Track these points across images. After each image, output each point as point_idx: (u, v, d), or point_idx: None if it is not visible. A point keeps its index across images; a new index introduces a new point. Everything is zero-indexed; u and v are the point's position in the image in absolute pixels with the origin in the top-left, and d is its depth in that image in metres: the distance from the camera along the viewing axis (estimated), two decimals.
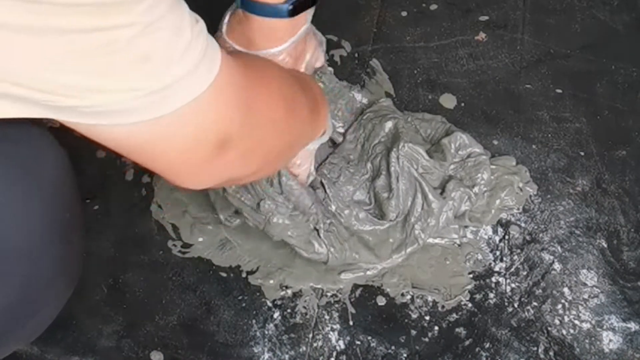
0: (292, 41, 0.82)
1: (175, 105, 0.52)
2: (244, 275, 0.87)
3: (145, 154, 0.56)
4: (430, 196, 0.86)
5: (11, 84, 0.46)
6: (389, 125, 0.91)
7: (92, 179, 0.93)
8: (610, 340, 0.82)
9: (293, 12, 0.79)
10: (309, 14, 0.83)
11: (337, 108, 0.94)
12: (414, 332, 0.83)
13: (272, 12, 0.78)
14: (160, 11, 0.48)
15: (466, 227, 0.89)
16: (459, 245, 0.88)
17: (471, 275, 0.86)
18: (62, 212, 0.58)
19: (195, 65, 0.52)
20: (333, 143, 0.93)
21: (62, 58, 0.46)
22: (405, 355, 0.81)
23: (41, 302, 0.62)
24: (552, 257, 0.87)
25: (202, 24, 0.54)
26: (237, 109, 0.58)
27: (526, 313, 0.84)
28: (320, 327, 0.83)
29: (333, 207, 0.86)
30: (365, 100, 0.96)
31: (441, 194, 0.87)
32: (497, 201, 0.89)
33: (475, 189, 0.88)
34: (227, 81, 0.56)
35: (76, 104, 0.48)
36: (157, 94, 0.50)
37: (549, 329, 0.82)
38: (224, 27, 0.83)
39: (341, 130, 0.94)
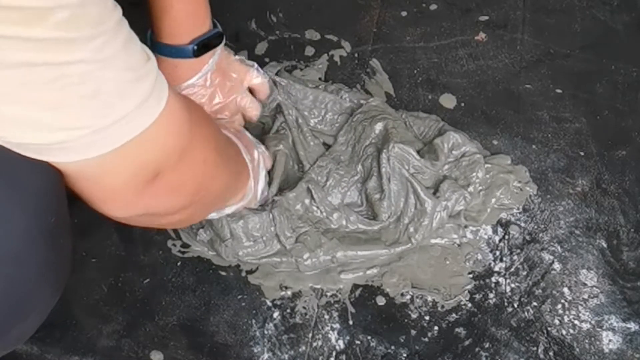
0: (198, 76, 0.86)
1: (117, 143, 0.53)
2: (243, 274, 0.87)
3: (76, 185, 0.57)
4: (422, 196, 0.86)
5: None
6: (379, 126, 0.91)
7: None
8: (610, 341, 0.82)
9: (198, 53, 0.84)
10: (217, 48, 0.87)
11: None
12: (413, 332, 0.83)
13: (177, 52, 0.83)
14: (112, 49, 0.49)
15: (466, 227, 0.89)
16: (458, 245, 0.88)
17: (471, 275, 0.86)
18: (47, 216, 0.58)
19: (141, 102, 0.53)
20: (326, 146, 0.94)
21: (12, 91, 0.46)
22: (404, 355, 0.81)
23: (27, 307, 0.61)
24: (551, 257, 0.87)
25: (152, 61, 0.55)
26: (176, 144, 0.60)
27: (526, 313, 0.84)
28: (320, 327, 0.83)
29: (318, 213, 0.86)
30: (355, 101, 0.96)
31: (434, 193, 0.87)
32: (493, 200, 0.90)
33: (470, 188, 0.88)
34: (170, 118, 0.57)
35: (21, 140, 0.49)
36: (100, 132, 0.51)
37: (549, 329, 0.82)
38: None
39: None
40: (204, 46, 0.84)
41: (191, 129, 0.62)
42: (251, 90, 0.93)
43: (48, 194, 0.58)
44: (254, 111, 0.93)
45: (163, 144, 0.58)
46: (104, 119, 0.51)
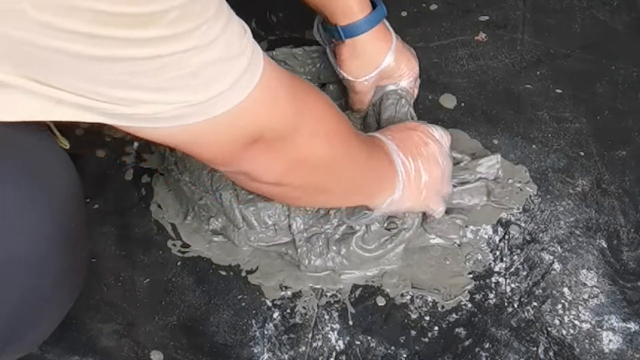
0: (394, 40, 0.90)
1: (214, 113, 0.56)
2: (243, 274, 0.87)
3: (183, 147, 0.61)
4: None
5: (74, 94, 0.51)
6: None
7: (92, 179, 0.93)
8: (610, 341, 0.82)
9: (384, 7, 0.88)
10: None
11: None
12: (413, 333, 0.83)
13: (376, 18, 0.87)
14: (214, 33, 0.52)
15: (466, 226, 0.89)
16: (459, 245, 0.88)
17: (471, 276, 0.86)
18: (68, 223, 0.60)
19: (238, 78, 0.56)
20: None
21: (122, 78, 0.50)
22: (405, 355, 0.81)
23: (43, 312, 0.63)
24: (552, 257, 0.87)
25: (249, 35, 0.58)
26: (273, 115, 0.62)
27: (526, 313, 0.84)
28: (320, 327, 0.83)
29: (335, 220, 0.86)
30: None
31: None
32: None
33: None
34: (266, 90, 0.60)
35: (127, 112, 0.53)
36: (201, 104, 0.55)
37: (549, 329, 0.82)
38: (340, 68, 0.91)
39: None
40: None
41: (292, 104, 0.64)
42: None
43: (69, 199, 0.60)
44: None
45: (257, 116, 0.60)
46: (201, 95, 0.54)
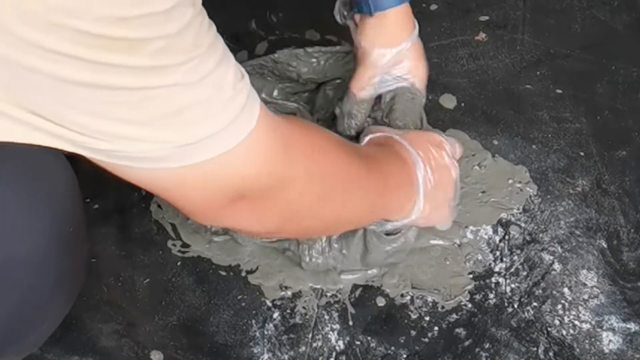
0: (416, 27, 0.87)
1: (198, 159, 0.53)
2: (243, 274, 0.87)
3: (162, 193, 0.59)
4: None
5: (54, 124, 0.49)
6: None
7: (91, 179, 0.92)
8: (610, 341, 0.82)
9: None
10: None
11: None
12: (413, 333, 0.83)
13: None
14: (204, 71, 0.50)
15: (466, 227, 0.89)
16: (458, 246, 0.88)
17: (471, 276, 0.86)
18: (67, 225, 0.60)
19: (227, 124, 0.53)
20: None
21: (103, 108, 0.48)
22: (405, 355, 0.81)
23: (44, 312, 0.63)
24: (552, 258, 0.87)
25: (245, 81, 0.55)
26: (262, 171, 0.59)
27: (526, 313, 0.83)
28: (320, 327, 0.83)
29: None
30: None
31: None
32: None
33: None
34: (258, 142, 0.56)
35: (107, 147, 0.51)
36: (183, 147, 0.52)
37: (549, 329, 0.82)
38: (359, 38, 0.88)
39: None
40: None
41: (284, 159, 0.60)
42: None
43: (67, 203, 0.60)
44: None
45: (244, 169, 0.57)
46: (185, 137, 0.52)
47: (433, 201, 0.80)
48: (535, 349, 0.81)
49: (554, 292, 0.85)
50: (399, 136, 0.82)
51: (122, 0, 0.44)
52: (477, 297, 0.85)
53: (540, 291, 0.85)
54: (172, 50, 0.48)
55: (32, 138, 0.50)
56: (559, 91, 1.01)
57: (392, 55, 0.87)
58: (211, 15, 0.91)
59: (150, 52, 0.46)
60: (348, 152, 0.72)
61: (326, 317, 0.84)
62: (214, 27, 0.52)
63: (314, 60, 0.97)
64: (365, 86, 0.89)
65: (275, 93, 0.97)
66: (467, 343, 0.82)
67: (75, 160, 0.62)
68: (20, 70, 0.45)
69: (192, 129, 0.52)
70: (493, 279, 0.86)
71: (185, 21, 0.48)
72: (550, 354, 0.81)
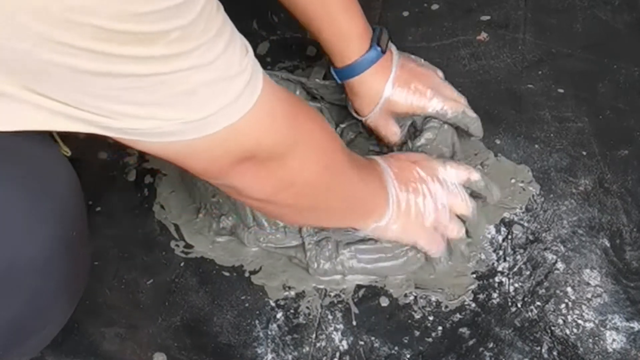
0: (394, 69, 0.88)
1: (212, 130, 0.56)
2: (247, 275, 0.87)
3: (174, 160, 0.61)
4: None
5: (68, 106, 0.51)
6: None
7: (94, 180, 0.93)
8: (614, 340, 0.82)
9: (383, 50, 0.86)
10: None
11: None
12: (417, 333, 0.83)
13: (373, 58, 0.86)
14: (214, 53, 0.52)
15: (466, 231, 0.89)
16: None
17: (474, 275, 0.86)
18: (70, 227, 0.60)
19: (235, 98, 0.56)
20: None
21: (118, 93, 0.50)
22: (408, 355, 0.81)
23: (47, 316, 0.63)
24: (555, 257, 0.87)
25: (250, 54, 0.58)
26: (267, 136, 0.62)
27: (529, 313, 0.83)
28: (324, 328, 0.83)
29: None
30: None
31: None
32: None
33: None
34: (262, 111, 0.59)
35: (121, 126, 0.53)
36: (197, 122, 0.55)
37: (553, 328, 0.82)
38: (351, 109, 0.92)
39: None
40: (382, 40, 0.87)
41: (289, 125, 0.64)
42: None
43: (70, 207, 0.60)
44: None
45: (251, 135, 0.60)
46: (197, 113, 0.54)
47: (405, 221, 0.81)
48: (539, 348, 0.81)
49: (557, 291, 0.85)
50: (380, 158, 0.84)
51: None
52: (481, 296, 0.85)
53: (544, 290, 0.85)
54: (186, 38, 0.49)
55: (51, 123, 0.52)
56: (560, 91, 1.01)
57: (378, 111, 0.89)
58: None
59: (166, 42, 0.48)
60: (340, 140, 0.75)
61: (330, 317, 0.84)
62: (221, 7, 0.54)
63: (344, 95, 0.95)
64: (390, 140, 0.93)
65: (297, 92, 0.96)
66: (471, 343, 0.82)
67: (78, 163, 0.62)
68: (33, 62, 0.46)
69: (205, 105, 0.54)
70: (496, 279, 0.86)
71: (198, 9, 0.49)
72: (554, 353, 0.81)
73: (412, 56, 0.93)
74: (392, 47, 0.90)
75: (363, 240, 0.84)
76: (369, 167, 0.80)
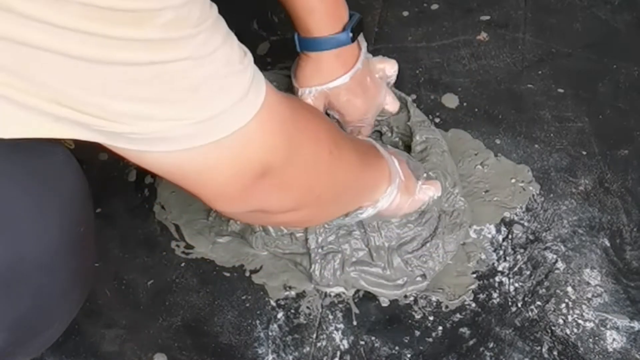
0: (357, 67, 0.87)
1: (219, 135, 0.53)
2: (247, 274, 0.87)
3: (185, 181, 0.58)
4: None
5: (65, 107, 0.48)
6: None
7: (95, 181, 0.93)
8: (614, 340, 0.82)
9: (354, 37, 0.85)
10: (362, 43, 0.89)
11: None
12: (417, 333, 0.83)
13: (336, 42, 0.85)
14: (213, 45, 0.50)
15: (470, 226, 0.89)
16: (462, 245, 0.88)
17: (475, 275, 0.86)
18: (77, 226, 0.60)
19: (241, 97, 0.53)
20: None
21: (117, 87, 0.47)
22: (409, 355, 0.81)
23: (53, 314, 0.63)
24: (555, 257, 0.87)
25: (249, 57, 0.55)
26: (280, 140, 0.59)
27: (530, 312, 0.84)
28: (324, 327, 0.83)
29: (361, 245, 0.85)
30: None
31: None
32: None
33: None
34: (270, 113, 0.57)
35: (123, 130, 0.50)
36: (202, 124, 0.52)
37: (553, 328, 0.82)
38: (293, 77, 0.91)
39: None
40: (355, 30, 0.86)
41: (296, 126, 0.61)
42: None
43: (77, 203, 0.60)
44: (394, 106, 0.94)
45: (265, 141, 0.57)
46: (203, 112, 0.51)
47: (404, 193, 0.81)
48: (539, 348, 0.81)
49: (558, 291, 0.85)
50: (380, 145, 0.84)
51: None
52: (481, 296, 0.85)
53: (544, 290, 0.85)
54: (181, 21, 0.47)
55: (55, 131, 0.49)
56: (560, 90, 1.01)
57: (315, 94, 0.89)
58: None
59: (160, 24, 0.46)
60: (335, 127, 0.74)
61: (330, 317, 0.84)
62: (215, 8, 0.53)
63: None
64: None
65: None
66: (471, 342, 0.82)
67: (81, 163, 0.62)
68: (27, 50, 0.44)
69: (207, 104, 0.52)
70: (497, 278, 0.86)
71: None
72: (555, 352, 0.81)
73: (376, 58, 0.94)
74: (363, 45, 0.89)
75: (369, 264, 0.84)
76: (360, 141, 0.81)
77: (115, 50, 0.45)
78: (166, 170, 0.56)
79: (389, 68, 0.94)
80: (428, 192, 0.83)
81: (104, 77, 0.47)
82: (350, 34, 0.85)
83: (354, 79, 0.88)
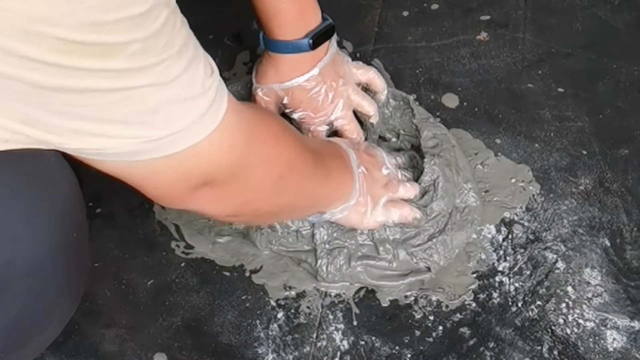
0: (319, 67, 0.86)
1: (171, 150, 0.55)
2: (247, 274, 0.87)
3: (130, 181, 0.61)
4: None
5: (23, 125, 0.50)
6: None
7: (94, 181, 0.92)
8: (614, 339, 0.82)
9: (314, 46, 0.85)
10: (332, 40, 0.88)
11: None
12: (418, 332, 0.83)
13: (293, 48, 0.85)
14: (176, 71, 0.52)
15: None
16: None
17: (475, 275, 0.86)
18: (69, 230, 0.60)
19: (197, 119, 0.55)
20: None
21: (81, 109, 0.49)
22: (409, 355, 0.81)
23: (46, 319, 0.62)
24: (555, 256, 0.87)
25: (215, 76, 0.57)
26: (227, 159, 0.61)
27: (530, 312, 0.84)
28: (324, 327, 0.83)
29: (367, 240, 0.85)
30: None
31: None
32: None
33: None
34: (223, 133, 0.59)
35: (80, 146, 0.52)
36: (157, 142, 0.54)
37: (553, 328, 0.82)
38: (254, 72, 0.91)
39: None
40: (318, 38, 0.85)
41: (249, 148, 0.63)
42: (366, 89, 0.94)
43: (70, 208, 0.60)
44: (368, 107, 0.92)
45: (213, 158, 0.60)
46: (160, 131, 0.54)
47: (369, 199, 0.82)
48: (539, 347, 0.81)
49: (558, 290, 0.85)
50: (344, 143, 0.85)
51: (98, 5, 0.44)
52: (481, 296, 0.85)
53: (544, 290, 0.85)
54: (147, 51, 0.48)
55: (10, 143, 0.51)
56: (560, 90, 1.01)
57: (268, 92, 0.89)
58: (212, 16, 0.91)
59: (126, 55, 0.47)
60: (301, 141, 0.75)
61: (330, 317, 0.84)
62: (186, 24, 0.54)
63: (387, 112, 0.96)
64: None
65: None
66: (471, 342, 0.82)
67: (77, 164, 0.62)
68: None
69: (164, 125, 0.53)
70: (497, 278, 0.86)
71: (160, 22, 0.49)
72: (555, 352, 0.81)
73: (353, 63, 0.92)
74: (331, 51, 0.88)
75: (375, 258, 0.85)
76: (332, 153, 0.81)
77: (82, 80, 0.47)
78: (111, 171, 0.58)
79: (362, 73, 0.92)
80: (391, 215, 0.84)
81: (68, 102, 0.48)
82: (311, 41, 0.84)
83: (309, 82, 0.87)
